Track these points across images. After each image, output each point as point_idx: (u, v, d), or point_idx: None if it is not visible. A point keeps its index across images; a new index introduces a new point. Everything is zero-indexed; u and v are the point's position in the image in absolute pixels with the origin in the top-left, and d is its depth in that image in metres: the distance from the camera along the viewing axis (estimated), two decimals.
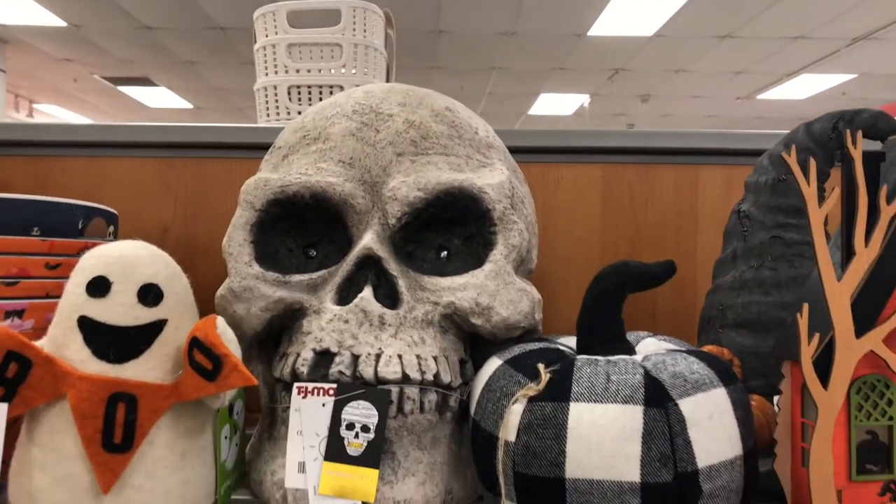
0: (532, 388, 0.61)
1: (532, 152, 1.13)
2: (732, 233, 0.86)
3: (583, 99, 8.04)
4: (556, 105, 8.26)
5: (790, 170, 0.82)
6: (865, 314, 0.58)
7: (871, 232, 0.58)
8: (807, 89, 7.10)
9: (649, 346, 0.67)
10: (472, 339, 0.74)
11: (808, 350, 0.57)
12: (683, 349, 0.65)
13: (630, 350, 0.66)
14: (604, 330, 0.66)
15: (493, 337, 0.71)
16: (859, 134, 0.59)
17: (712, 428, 0.58)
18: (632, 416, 0.57)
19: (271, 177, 0.75)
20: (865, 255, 0.58)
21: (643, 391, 0.58)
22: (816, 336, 0.57)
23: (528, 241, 0.75)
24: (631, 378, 0.59)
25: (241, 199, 0.76)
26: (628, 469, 0.57)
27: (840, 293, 0.57)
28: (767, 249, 0.82)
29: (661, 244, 1.13)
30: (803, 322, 0.57)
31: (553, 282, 1.13)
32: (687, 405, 0.58)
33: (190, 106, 8.29)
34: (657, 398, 0.58)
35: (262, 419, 0.76)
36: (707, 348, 0.77)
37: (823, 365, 0.58)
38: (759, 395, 0.76)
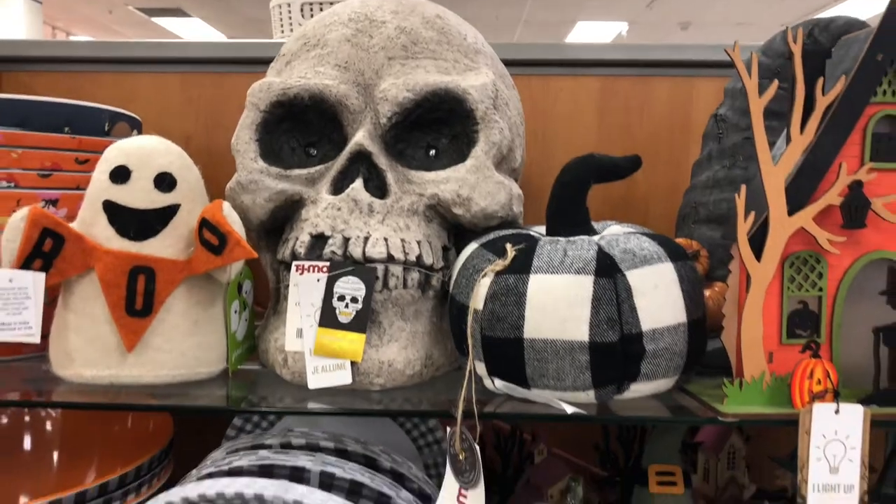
0: (499, 264, 0.68)
1: (532, 65, 1.18)
2: (709, 135, 0.91)
3: (621, 27, 7.88)
4: (593, 34, 8.11)
5: (765, 75, 0.87)
6: (799, 194, 0.63)
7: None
8: (859, 13, 6.84)
9: (611, 231, 0.74)
10: (455, 229, 0.81)
11: (744, 227, 0.63)
12: (640, 231, 0.72)
13: (592, 234, 0.73)
14: (569, 216, 0.73)
15: (474, 226, 0.79)
16: (800, 31, 0.64)
17: (657, 296, 0.65)
18: (583, 285, 0.64)
19: (274, 80, 0.82)
20: (800, 141, 0.63)
21: (594, 263, 0.65)
22: (752, 214, 0.63)
23: (509, 139, 0.81)
24: (585, 253, 0.66)
25: (247, 101, 0.83)
26: (578, 330, 0.64)
27: (775, 175, 0.63)
28: (740, 150, 0.87)
29: (656, 154, 1.18)
30: (740, 201, 0.63)
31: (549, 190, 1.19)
32: (634, 276, 0.65)
33: (224, 38, 8.34)
34: (607, 270, 0.65)
35: (270, 300, 0.85)
36: (678, 241, 0.83)
37: (759, 241, 0.64)
38: (724, 283, 0.83)
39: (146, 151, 0.74)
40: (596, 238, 0.69)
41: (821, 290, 0.65)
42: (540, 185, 1.18)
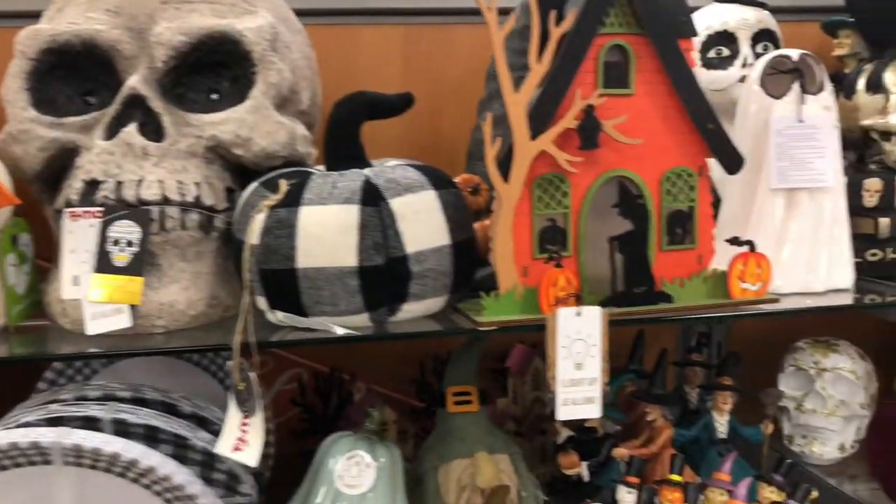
0: (272, 199, 0.71)
1: (334, 14, 1.19)
2: (490, 75, 0.97)
3: None
4: None
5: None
6: (540, 120, 0.69)
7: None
8: None
9: (385, 164, 0.78)
10: (242, 170, 0.82)
11: (491, 151, 0.68)
12: (409, 163, 0.76)
13: (367, 167, 0.76)
14: (344, 151, 0.76)
15: (256, 166, 0.80)
16: None
17: (419, 221, 0.70)
18: (350, 213, 0.68)
19: (43, 27, 0.80)
20: (538, 70, 0.69)
21: (361, 193, 0.69)
22: (499, 140, 0.69)
23: (291, 81, 0.83)
24: (352, 184, 0.70)
25: (15, 49, 0.80)
26: (347, 256, 0.68)
27: (517, 103, 0.68)
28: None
29: (460, 99, 1.22)
30: (486, 128, 0.68)
31: None
32: (397, 203, 0.69)
33: None
34: (372, 198, 0.69)
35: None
36: (460, 177, 0.88)
37: (507, 165, 0.69)
38: None
39: None
40: (366, 170, 0.73)
41: (566, 207, 0.72)
42: None
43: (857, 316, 1.19)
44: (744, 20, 0.99)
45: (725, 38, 1.00)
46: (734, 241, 0.74)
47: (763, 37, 1.00)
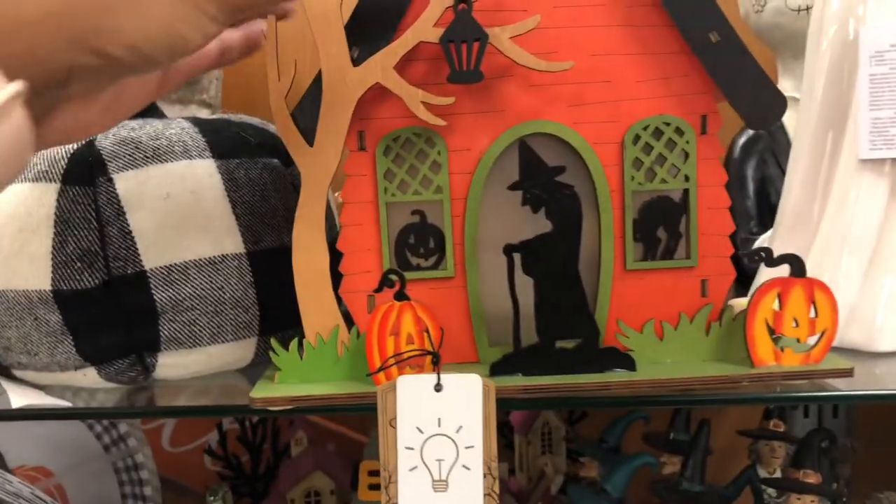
0: None
1: None
2: None
3: None
4: None
5: None
6: (368, 29, 0.37)
7: None
8: None
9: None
10: None
11: (277, 87, 0.38)
12: (210, 118, 0.46)
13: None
14: None
15: None
16: None
17: (172, 214, 0.40)
18: (41, 198, 0.39)
19: None
20: None
21: (66, 164, 0.40)
22: (294, 63, 0.38)
23: None
24: (61, 148, 0.41)
25: None
26: (36, 272, 0.39)
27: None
28: None
29: None
30: (269, 45, 0.37)
31: None
32: (127, 180, 0.40)
33: None
34: (84, 173, 0.40)
35: None
36: None
37: (313, 113, 0.38)
38: None
39: None
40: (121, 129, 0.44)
41: (439, 191, 0.40)
42: None
43: None
44: None
45: None
46: (754, 255, 0.38)
47: None
